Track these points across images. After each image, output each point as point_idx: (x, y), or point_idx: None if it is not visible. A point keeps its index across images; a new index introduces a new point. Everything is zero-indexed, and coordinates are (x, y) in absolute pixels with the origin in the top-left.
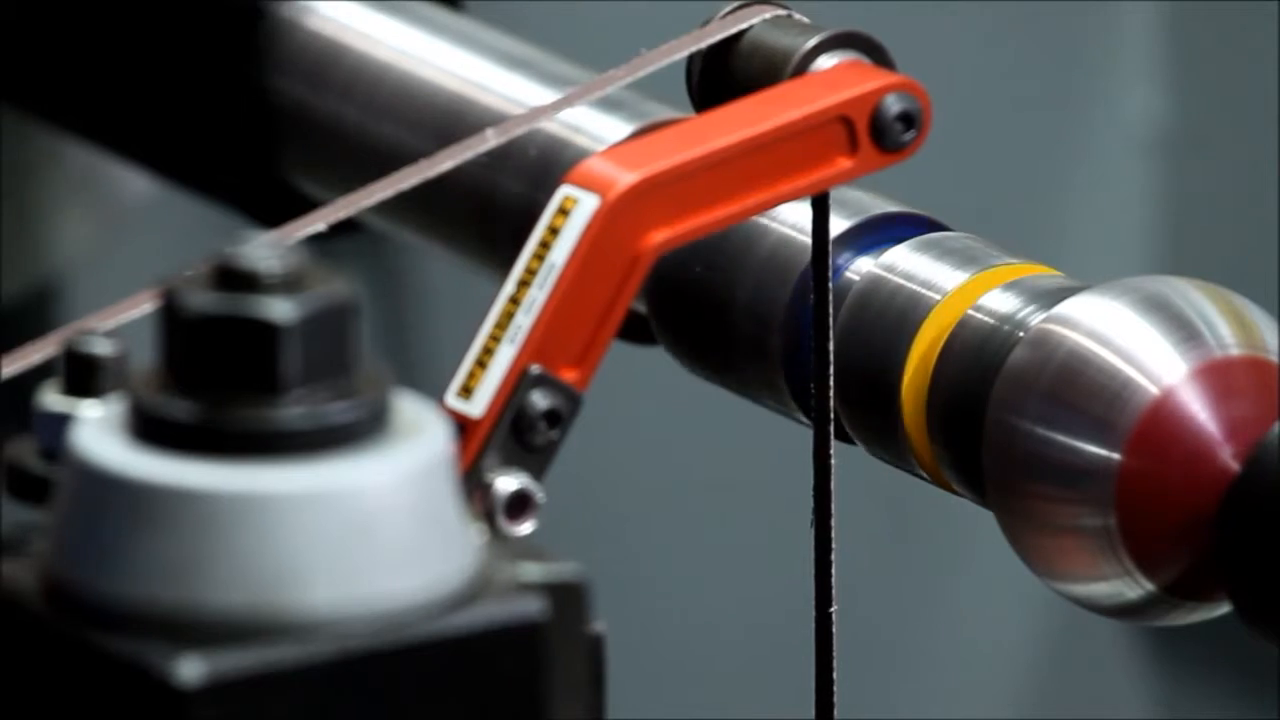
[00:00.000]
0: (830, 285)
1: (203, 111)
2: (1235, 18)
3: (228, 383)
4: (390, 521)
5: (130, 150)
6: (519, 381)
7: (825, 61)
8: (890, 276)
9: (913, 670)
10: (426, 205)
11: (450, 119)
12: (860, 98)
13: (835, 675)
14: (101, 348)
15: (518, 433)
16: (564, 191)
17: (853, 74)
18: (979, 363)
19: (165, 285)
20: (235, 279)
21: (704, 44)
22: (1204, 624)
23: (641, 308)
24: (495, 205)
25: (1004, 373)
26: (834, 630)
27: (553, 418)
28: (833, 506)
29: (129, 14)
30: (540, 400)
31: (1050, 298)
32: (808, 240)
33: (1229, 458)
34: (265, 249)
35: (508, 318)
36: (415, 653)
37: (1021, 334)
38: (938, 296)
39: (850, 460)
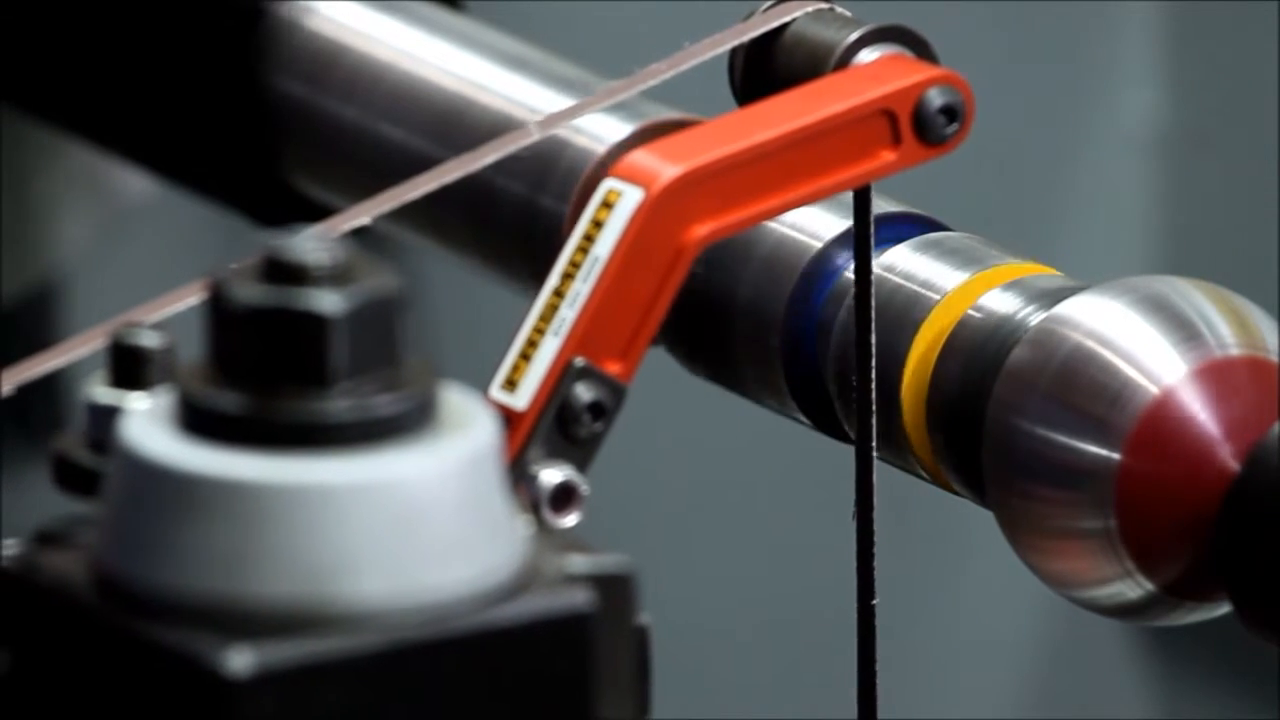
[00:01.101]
0: (833, 284)
1: (203, 111)
2: (1235, 18)
3: (276, 375)
4: (438, 513)
5: (130, 150)
6: (563, 374)
7: (867, 55)
8: (890, 276)
9: (913, 670)
10: (427, 205)
11: (450, 119)
12: (903, 91)
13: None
14: (148, 340)
15: (562, 425)
16: (608, 185)
17: (895, 67)
18: (979, 363)
19: (213, 277)
20: (283, 271)
21: (746, 38)
22: (1204, 624)
23: None
24: (495, 205)
25: (1004, 373)
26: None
27: (597, 410)
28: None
29: (129, 14)
30: (584, 393)
31: (1050, 298)
32: (808, 240)
33: (1229, 458)
34: (313, 242)
35: (552, 310)
36: (463, 644)
37: (1021, 334)
38: (938, 296)
39: (850, 460)
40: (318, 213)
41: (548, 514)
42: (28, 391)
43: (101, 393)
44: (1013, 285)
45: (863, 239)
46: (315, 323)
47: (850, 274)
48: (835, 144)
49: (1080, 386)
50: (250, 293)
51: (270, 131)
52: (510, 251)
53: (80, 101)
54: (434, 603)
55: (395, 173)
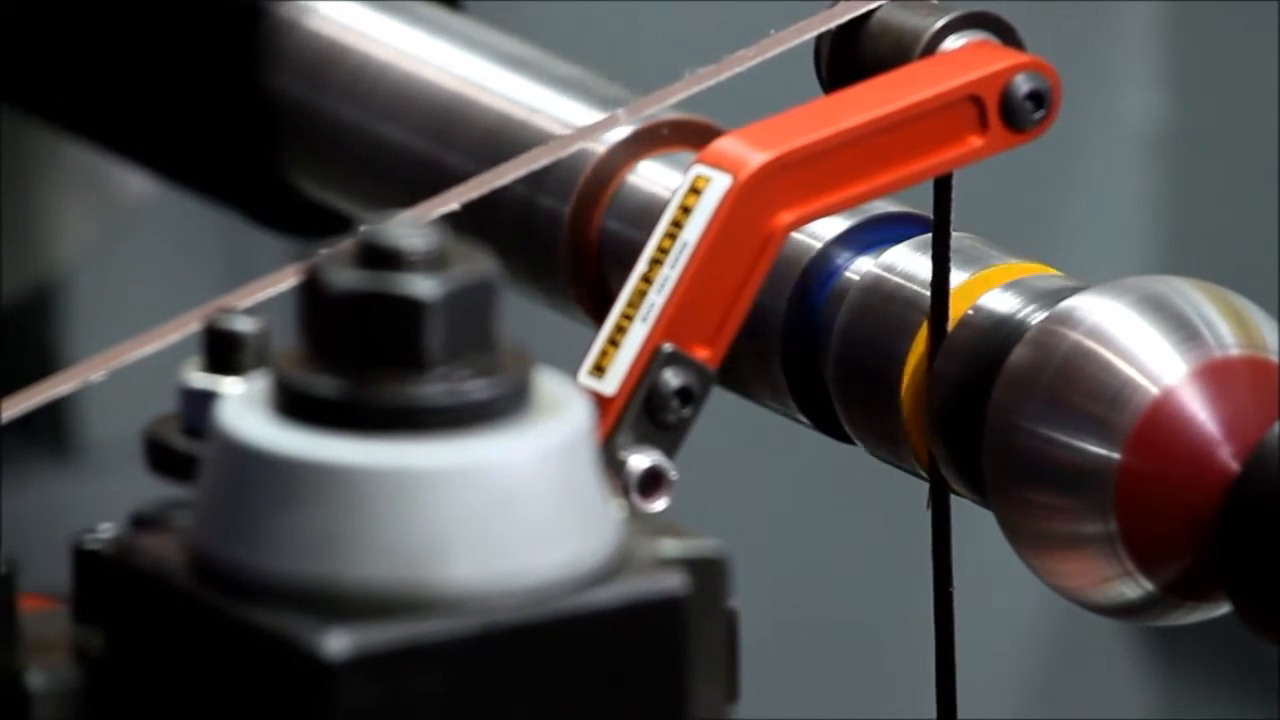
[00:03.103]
0: (833, 284)
1: (203, 111)
2: (1235, 18)
3: (372, 359)
4: (532, 497)
5: (130, 150)
6: (651, 359)
7: (953, 41)
8: (890, 276)
9: (913, 670)
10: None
11: (450, 119)
12: (990, 77)
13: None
14: (243, 325)
15: (650, 410)
16: (696, 171)
17: (983, 53)
18: (979, 363)
19: (309, 262)
20: (379, 256)
21: (833, 24)
22: (1204, 624)
23: None
24: (495, 204)
25: (1004, 373)
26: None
27: (685, 395)
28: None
29: (129, 14)
30: (673, 378)
31: (1050, 298)
32: (808, 240)
33: (1229, 458)
34: (407, 226)
35: (640, 296)
36: (558, 627)
37: (1021, 334)
38: None
39: (850, 460)
40: (318, 212)
41: (636, 499)
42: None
43: (196, 377)
44: (1013, 285)
45: (942, 230)
46: (411, 307)
47: (850, 274)
48: (922, 130)
49: (1080, 386)
50: (346, 278)
51: (270, 131)
52: (510, 251)
53: (80, 101)
54: (528, 586)
55: (395, 173)
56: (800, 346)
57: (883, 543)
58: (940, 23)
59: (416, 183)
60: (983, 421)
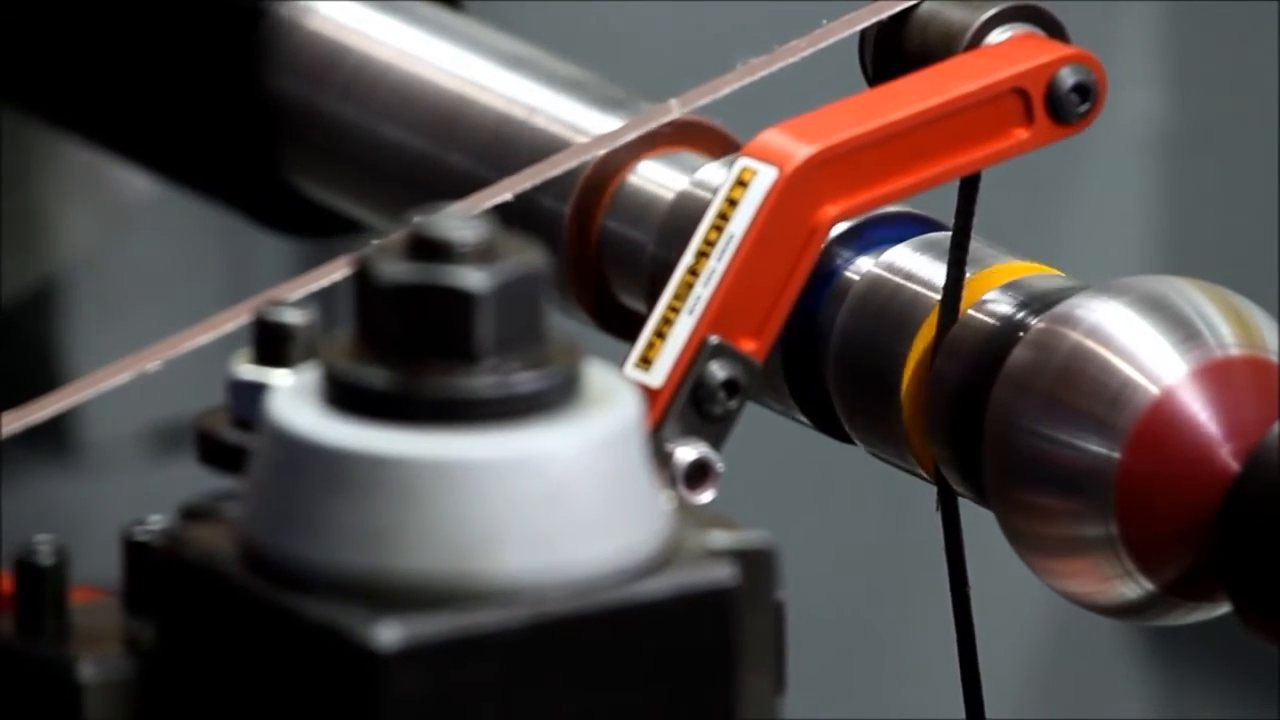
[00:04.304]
0: (833, 283)
1: (203, 111)
2: (1235, 18)
3: (422, 351)
4: (582, 489)
5: (130, 150)
6: (698, 351)
7: (999, 34)
8: (890, 276)
9: (913, 670)
10: (425, 204)
11: (450, 119)
12: (1036, 70)
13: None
14: (292, 317)
15: (697, 402)
16: (742, 163)
17: (1028, 46)
18: (979, 363)
19: (359, 254)
20: (429, 248)
21: (879, 17)
22: (1204, 624)
23: (642, 308)
24: (495, 205)
25: (1004, 373)
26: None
27: (731, 387)
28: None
29: (129, 14)
30: (719, 370)
31: (1050, 298)
32: None
33: (1229, 458)
34: (457, 219)
35: (686, 288)
36: (607, 618)
37: (1021, 334)
38: (938, 296)
39: (850, 460)
40: (318, 213)
41: (683, 491)
42: (27, 388)
43: (246, 370)
44: (1013, 285)
45: (963, 229)
46: (462, 299)
47: (850, 274)
48: (968, 123)
49: (1080, 386)
50: (397, 270)
51: (270, 131)
52: None
53: (80, 101)
54: (578, 577)
55: (395, 173)
56: (800, 346)
57: (883, 543)
58: (985, 16)
59: (416, 183)
60: (983, 421)
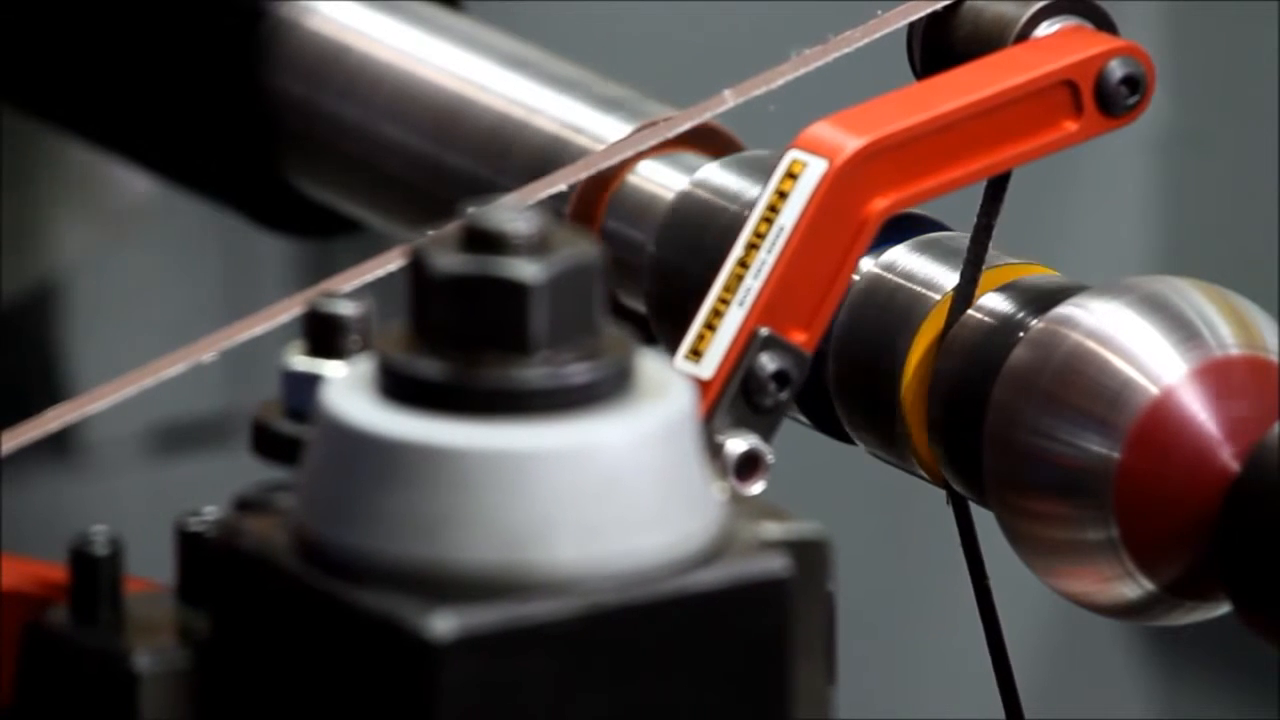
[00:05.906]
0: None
1: (203, 111)
2: (1235, 18)
3: (476, 342)
4: (635, 480)
5: (130, 150)
6: (748, 343)
7: (1047, 27)
8: (890, 276)
9: (913, 670)
10: (425, 204)
11: (450, 119)
12: (1085, 62)
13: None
14: (345, 308)
15: (747, 394)
16: (791, 155)
17: (1077, 39)
18: (979, 363)
19: (414, 245)
20: (483, 240)
21: (928, 10)
22: (1204, 624)
23: (641, 307)
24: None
25: (1004, 373)
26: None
27: (781, 379)
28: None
29: (129, 14)
30: (769, 362)
31: (1050, 298)
32: None
33: (1229, 458)
34: (511, 211)
35: (736, 280)
36: (662, 609)
37: (1021, 334)
38: (938, 296)
39: (850, 460)
40: (318, 212)
41: (733, 482)
42: (27, 390)
43: (299, 361)
44: (1012, 285)
45: (985, 229)
46: (516, 291)
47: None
48: (1017, 115)
49: (1080, 386)
50: (451, 261)
51: (270, 131)
52: None
53: (80, 101)
54: (632, 568)
55: (395, 173)
56: None
57: (883, 543)
58: (1034, 8)
59: (416, 183)
60: (983, 421)
